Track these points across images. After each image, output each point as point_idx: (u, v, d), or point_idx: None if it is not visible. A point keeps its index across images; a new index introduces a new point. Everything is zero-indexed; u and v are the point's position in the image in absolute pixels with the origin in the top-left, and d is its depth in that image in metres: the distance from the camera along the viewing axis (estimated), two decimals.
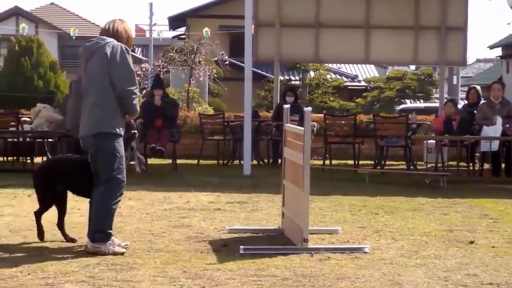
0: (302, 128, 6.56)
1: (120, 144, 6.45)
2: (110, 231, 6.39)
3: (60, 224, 6.82)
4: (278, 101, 16.11)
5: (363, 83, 40.41)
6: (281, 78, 31.10)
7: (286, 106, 7.70)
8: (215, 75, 25.62)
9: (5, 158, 14.26)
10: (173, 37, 44.77)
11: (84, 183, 6.56)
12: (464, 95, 20.66)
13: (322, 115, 16.00)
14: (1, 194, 10.13)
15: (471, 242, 7.04)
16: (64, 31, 42.27)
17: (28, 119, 15.46)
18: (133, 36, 6.94)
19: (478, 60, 53.63)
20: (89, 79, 6.44)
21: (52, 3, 50.32)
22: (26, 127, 14.98)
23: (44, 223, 6.85)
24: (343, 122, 15.75)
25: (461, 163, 13.36)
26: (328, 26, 16.50)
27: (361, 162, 14.56)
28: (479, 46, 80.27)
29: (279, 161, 12.60)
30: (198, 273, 5.68)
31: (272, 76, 25.91)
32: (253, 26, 14.87)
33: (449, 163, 13.28)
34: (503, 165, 12.97)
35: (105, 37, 6.52)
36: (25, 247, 6.56)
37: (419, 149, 15.53)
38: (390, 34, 16.54)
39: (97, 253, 6.23)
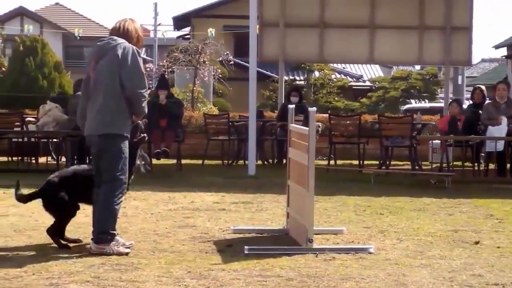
0: (307, 128, 6.55)
1: (125, 145, 6.46)
2: (114, 231, 6.39)
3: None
4: (283, 101, 16.09)
5: (368, 83, 40.38)
6: (286, 78, 31.10)
7: (291, 106, 7.68)
8: (220, 75, 25.64)
9: (9, 158, 14.26)
10: (178, 37, 44.79)
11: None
12: (469, 95, 20.64)
13: (327, 115, 15.99)
14: (6, 194, 10.13)
15: (476, 243, 7.02)
16: (68, 31, 42.35)
17: (33, 119, 15.47)
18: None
19: (483, 60, 53.57)
20: (99, 79, 6.44)
21: (57, 3, 50.41)
22: (31, 127, 14.99)
23: (48, 222, 6.82)
24: (348, 122, 15.74)
25: (466, 163, 13.34)
26: (332, 26, 16.49)
27: (366, 162, 14.54)
28: (484, 46, 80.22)
29: (284, 161, 12.59)
30: (203, 273, 5.67)
31: (276, 76, 25.91)
32: (257, 26, 14.86)
33: (454, 163, 13.27)
34: (508, 165, 12.94)
35: (116, 38, 6.52)
36: (30, 247, 6.56)
37: (424, 149, 15.50)
38: (395, 34, 16.53)
39: (101, 254, 6.22)
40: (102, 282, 5.37)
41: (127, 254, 6.28)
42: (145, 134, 7.14)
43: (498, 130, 12.86)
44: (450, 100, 15.77)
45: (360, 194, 10.49)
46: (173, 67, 24.51)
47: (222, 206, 9.27)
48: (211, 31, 26.67)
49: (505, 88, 13.41)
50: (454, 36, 16.33)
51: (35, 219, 7.99)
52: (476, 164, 13.17)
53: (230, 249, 6.60)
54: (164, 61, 25.59)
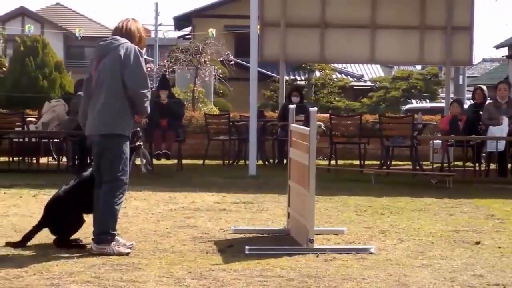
0: (308, 128, 6.54)
1: (126, 146, 6.47)
2: (114, 232, 6.40)
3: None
4: (284, 101, 16.10)
5: (368, 83, 40.38)
6: (287, 78, 31.09)
7: (292, 106, 7.68)
8: (221, 75, 25.65)
9: (10, 158, 14.26)
10: (179, 37, 44.79)
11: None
12: (470, 95, 20.62)
13: (328, 115, 15.98)
14: (7, 194, 10.14)
15: (477, 243, 7.01)
16: (69, 31, 42.34)
17: (34, 119, 15.48)
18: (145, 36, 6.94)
19: (484, 60, 53.53)
20: (101, 79, 6.45)
21: (57, 4, 50.40)
22: (32, 127, 15.00)
23: None
24: (348, 122, 15.73)
25: (467, 163, 13.33)
26: (333, 26, 16.49)
27: (366, 162, 14.53)
28: (485, 46, 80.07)
29: (285, 161, 12.58)
30: (204, 273, 5.67)
31: (277, 76, 25.90)
32: (258, 26, 14.85)
33: (455, 163, 13.26)
34: (509, 166, 12.93)
35: (119, 38, 6.52)
36: (31, 247, 6.55)
37: (425, 149, 15.50)
38: (396, 34, 16.53)
39: (102, 254, 6.22)
40: (103, 282, 5.37)
41: (127, 254, 6.28)
42: (141, 143, 7.15)
43: (499, 130, 12.85)
44: (451, 100, 15.76)
45: (361, 194, 10.48)
46: (174, 67, 24.51)
47: (222, 206, 9.27)
48: (212, 31, 26.68)
49: (506, 88, 13.41)
50: (455, 36, 16.33)
51: (36, 219, 7.96)
52: (477, 164, 13.16)
53: (231, 249, 6.59)
54: (165, 61, 25.59)
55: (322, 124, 14.45)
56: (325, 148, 14.86)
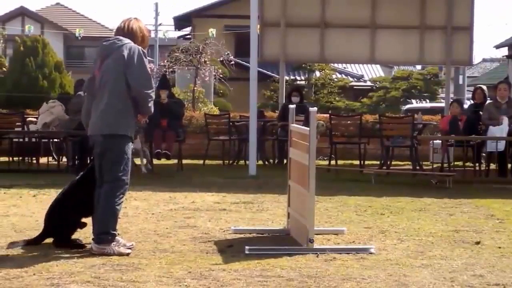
0: (308, 128, 6.54)
1: (128, 146, 6.48)
2: (115, 232, 6.40)
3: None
4: (284, 101, 16.09)
5: (368, 83, 40.39)
6: (287, 78, 31.10)
7: (292, 106, 7.67)
8: (221, 75, 25.65)
9: (10, 158, 14.27)
10: (179, 37, 44.80)
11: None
12: (470, 95, 20.62)
13: (328, 115, 15.98)
14: (7, 194, 10.14)
15: (477, 243, 7.01)
16: (69, 31, 42.35)
17: (34, 119, 15.47)
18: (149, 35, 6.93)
19: (484, 60, 53.55)
20: (104, 79, 6.45)
21: (57, 4, 50.43)
22: (32, 127, 15.00)
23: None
24: (348, 122, 15.73)
25: (467, 164, 13.33)
26: (333, 26, 16.49)
27: (366, 162, 14.53)
28: (485, 46, 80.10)
29: (285, 161, 12.58)
30: (204, 273, 5.67)
31: (277, 76, 25.91)
32: (258, 26, 14.85)
33: (455, 163, 13.26)
34: (509, 166, 12.93)
35: (122, 38, 6.53)
36: (30, 247, 6.54)
37: (425, 149, 15.51)
38: (396, 34, 16.53)
39: (102, 254, 6.22)
40: (103, 283, 5.36)
41: (127, 254, 6.27)
42: (134, 149, 7.18)
43: (499, 130, 12.85)
44: (451, 100, 15.75)
45: (361, 194, 10.48)
46: (174, 67, 24.51)
47: (222, 206, 9.27)
48: (212, 31, 26.68)
49: (506, 88, 13.40)
50: (455, 36, 16.33)
51: (36, 219, 7.98)
52: (477, 164, 13.16)
53: (231, 249, 6.59)
54: (165, 61, 25.59)
55: (323, 122, 14.44)
56: (325, 148, 14.86)
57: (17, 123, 15.14)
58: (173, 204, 9.35)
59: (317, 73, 37.95)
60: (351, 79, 40.15)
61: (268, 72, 34.45)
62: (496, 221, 8.39)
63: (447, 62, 17.01)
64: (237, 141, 15.77)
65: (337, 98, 36.68)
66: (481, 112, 13.49)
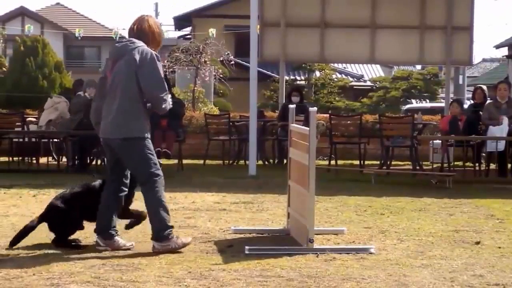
0: (308, 128, 6.54)
1: (148, 143, 6.52)
2: (170, 225, 6.50)
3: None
4: (284, 101, 16.09)
5: (368, 83, 40.37)
6: (287, 78, 31.09)
7: (292, 106, 7.67)
8: (221, 75, 25.64)
9: (10, 158, 14.26)
10: (179, 37, 44.77)
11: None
12: (470, 95, 20.62)
13: (328, 115, 15.98)
14: (7, 194, 10.14)
15: (477, 243, 7.01)
16: (69, 31, 42.32)
17: (34, 119, 15.48)
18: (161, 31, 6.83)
19: (484, 60, 53.55)
20: (115, 82, 6.47)
21: (57, 3, 50.39)
22: (32, 127, 15.00)
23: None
24: (348, 122, 15.73)
25: (467, 163, 13.33)
26: (333, 26, 16.49)
27: (366, 162, 14.53)
28: (485, 46, 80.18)
29: (285, 161, 12.58)
30: (203, 273, 5.67)
31: (277, 76, 25.92)
32: (258, 26, 14.85)
33: (455, 163, 13.26)
34: (509, 165, 12.93)
35: (134, 40, 6.54)
36: (30, 248, 6.55)
37: (425, 149, 15.50)
38: (396, 34, 16.53)
39: (168, 251, 6.30)
40: (103, 283, 5.36)
41: (188, 244, 6.43)
42: None
43: (499, 130, 12.85)
44: (451, 100, 15.75)
45: (360, 194, 10.48)
46: (174, 67, 24.50)
47: (222, 206, 9.27)
48: (212, 31, 26.64)
49: (506, 88, 13.41)
50: (455, 36, 16.32)
51: None
52: (477, 164, 13.16)
53: (231, 249, 6.59)
54: (165, 61, 25.57)
55: (323, 122, 14.43)
56: (325, 148, 14.86)
57: (17, 123, 15.13)
58: (173, 204, 9.33)
59: (317, 73, 37.94)
60: (351, 79, 40.13)
61: (268, 72, 34.45)
62: (496, 221, 8.39)
63: (447, 62, 17.01)
64: (237, 141, 15.77)
65: (337, 98, 36.67)
66: (481, 112, 13.49)
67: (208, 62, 23.93)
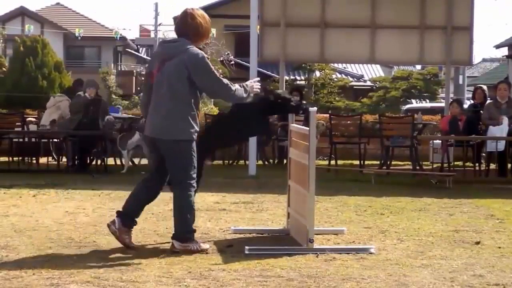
0: (308, 128, 6.54)
1: (192, 147, 6.54)
2: (194, 228, 6.56)
3: None
4: None
5: (368, 83, 40.36)
6: (287, 78, 31.09)
7: None
8: (221, 75, 25.61)
9: (10, 158, 14.26)
10: None
11: None
12: (470, 95, 20.62)
13: (328, 115, 15.98)
14: (7, 194, 10.13)
15: (477, 243, 7.01)
16: (69, 31, 42.33)
17: (34, 119, 15.48)
18: (208, 20, 6.74)
19: (484, 60, 53.58)
20: (164, 83, 6.47)
21: (57, 3, 50.36)
22: (32, 127, 15.00)
23: (49, 222, 6.83)
24: (348, 122, 15.74)
25: (467, 163, 13.32)
26: (333, 26, 16.46)
27: (366, 162, 14.53)
28: (485, 46, 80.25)
29: (285, 161, 12.58)
30: (203, 273, 5.67)
31: (277, 76, 25.89)
32: (258, 26, 14.85)
33: (455, 163, 13.25)
34: (509, 165, 12.93)
35: (183, 41, 6.53)
36: (30, 247, 6.55)
37: (425, 149, 15.50)
38: (396, 34, 16.50)
39: (186, 252, 6.32)
40: (103, 283, 5.36)
41: (207, 250, 6.43)
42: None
43: (499, 130, 12.85)
44: (451, 100, 15.75)
45: (360, 194, 10.48)
46: None
47: (222, 206, 9.27)
48: (212, 31, 26.63)
49: (506, 88, 13.41)
50: (455, 36, 16.30)
51: (36, 219, 7.98)
52: (477, 164, 13.16)
53: (231, 249, 6.59)
54: None
55: (323, 122, 14.44)
56: (325, 148, 14.86)
57: (17, 123, 15.13)
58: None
59: (317, 73, 37.92)
60: (351, 79, 40.12)
61: (268, 72, 34.44)
62: (496, 221, 8.38)
63: (447, 62, 16.97)
64: None
65: (337, 98, 36.65)
66: (481, 112, 13.49)
67: None
